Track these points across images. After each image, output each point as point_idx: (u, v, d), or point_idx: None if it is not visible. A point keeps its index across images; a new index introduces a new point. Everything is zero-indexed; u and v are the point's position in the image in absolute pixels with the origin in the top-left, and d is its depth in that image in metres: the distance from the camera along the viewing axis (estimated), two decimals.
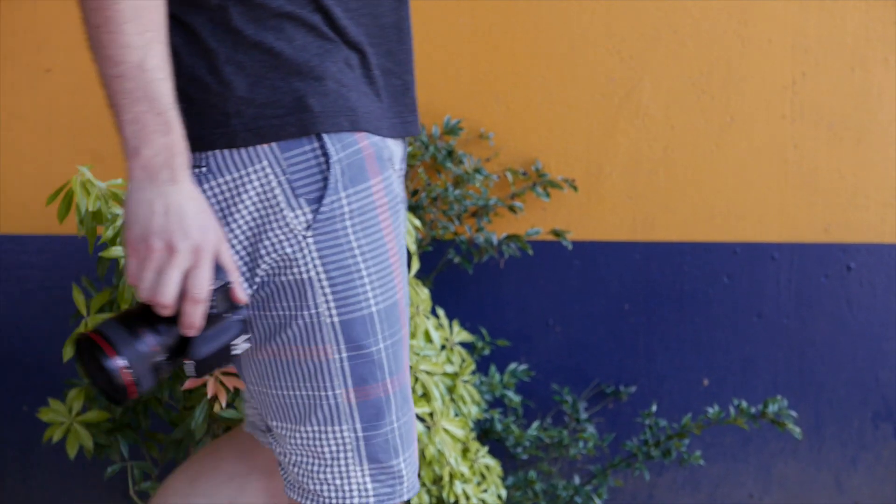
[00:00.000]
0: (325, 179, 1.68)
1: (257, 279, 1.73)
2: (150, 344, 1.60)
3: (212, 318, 1.62)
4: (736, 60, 3.39)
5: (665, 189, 3.39)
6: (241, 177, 1.68)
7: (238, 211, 1.69)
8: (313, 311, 1.72)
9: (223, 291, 1.63)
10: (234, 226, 1.70)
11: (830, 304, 3.47)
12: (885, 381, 3.50)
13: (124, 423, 2.90)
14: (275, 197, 1.68)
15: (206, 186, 1.69)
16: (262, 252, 1.71)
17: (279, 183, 1.67)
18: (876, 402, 3.51)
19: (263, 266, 1.71)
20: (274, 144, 1.67)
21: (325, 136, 1.68)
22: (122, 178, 2.83)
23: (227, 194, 1.69)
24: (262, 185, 1.68)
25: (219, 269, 1.62)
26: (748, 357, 3.48)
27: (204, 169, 1.69)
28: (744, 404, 3.18)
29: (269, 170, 1.67)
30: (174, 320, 1.62)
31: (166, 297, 1.56)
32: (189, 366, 1.64)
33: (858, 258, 3.45)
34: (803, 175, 3.42)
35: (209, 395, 2.61)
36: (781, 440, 3.51)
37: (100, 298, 2.70)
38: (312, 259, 1.70)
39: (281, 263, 1.71)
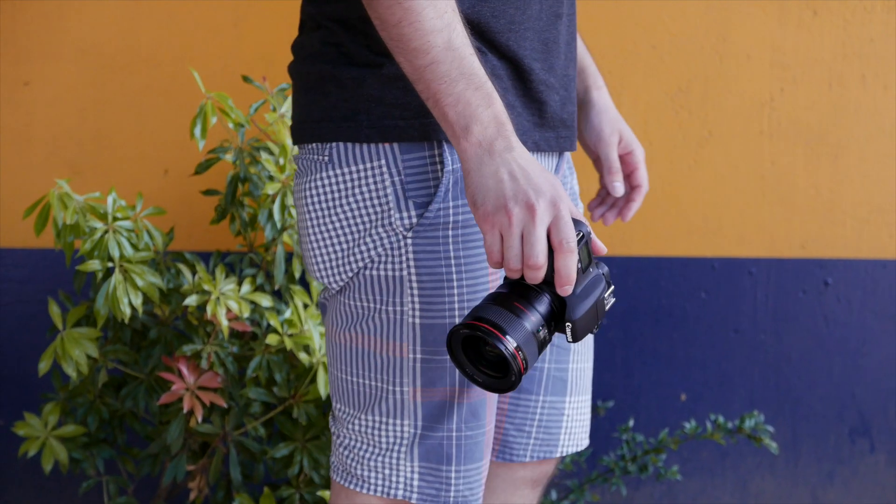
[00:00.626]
0: (437, 186, 1.72)
1: (352, 269, 1.78)
2: (533, 320, 1.57)
3: (579, 274, 1.59)
4: (714, 76, 3.40)
5: (643, 204, 3.39)
6: (358, 171, 1.73)
7: (349, 203, 1.75)
8: (398, 309, 1.76)
9: (584, 243, 1.60)
10: (342, 216, 1.76)
11: (807, 320, 3.48)
12: (861, 396, 3.51)
13: (100, 438, 2.89)
14: (386, 195, 1.73)
15: (324, 174, 1.76)
16: (363, 245, 1.76)
17: (392, 182, 1.72)
18: (852, 417, 3.52)
19: (360, 257, 1.76)
20: (395, 145, 1.72)
21: (446, 144, 1.73)
22: (99, 191, 2.83)
23: (343, 185, 1.75)
24: (376, 182, 1.73)
25: (575, 222, 1.59)
26: (725, 372, 3.48)
27: (326, 158, 1.76)
28: (720, 419, 3.18)
29: (385, 168, 1.72)
30: (543, 289, 1.59)
31: (539, 257, 1.54)
32: (568, 330, 1.60)
33: (836, 274, 3.47)
34: (781, 191, 3.43)
35: (185, 410, 2.61)
36: (758, 455, 3.52)
37: (76, 312, 2.70)
38: (408, 259, 1.74)
39: (377, 258, 1.75)
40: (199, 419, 2.62)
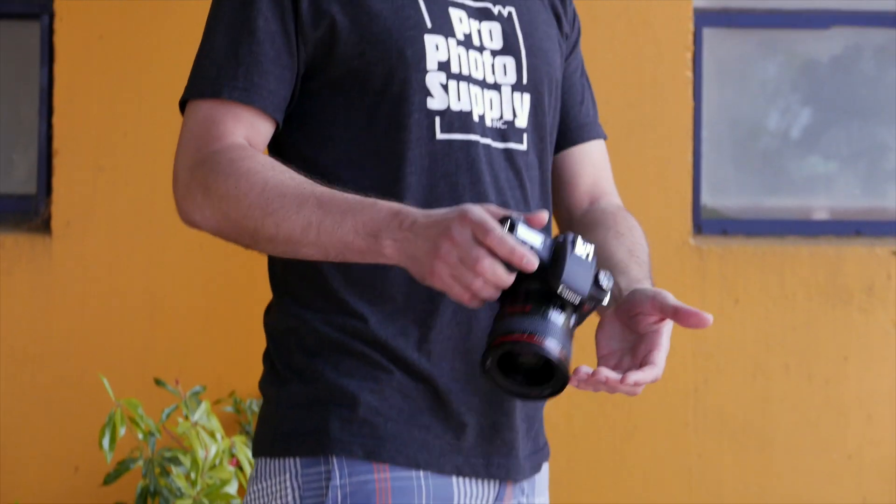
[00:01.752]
0: (324, 501, 1.76)
1: None
2: (551, 312, 1.53)
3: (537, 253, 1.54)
4: None
5: (567, 501, 3.34)
6: (272, 485, 1.79)
7: None
8: None
9: (516, 226, 1.54)
10: None
11: None
12: None
13: None
14: None
15: (252, 489, 1.82)
16: None
17: (294, 498, 1.77)
18: None
19: None
20: (297, 459, 1.77)
21: (335, 460, 1.76)
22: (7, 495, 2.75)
23: (264, 500, 1.80)
24: (282, 495, 1.77)
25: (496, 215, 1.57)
26: None
27: (254, 474, 1.82)
28: None
29: (288, 482, 1.77)
30: (521, 283, 1.54)
31: (478, 262, 1.53)
32: (567, 291, 1.53)
33: None
34: (707, 484, 3.42)
35: None
36: None
37: None
38: None
39: None
40: None
